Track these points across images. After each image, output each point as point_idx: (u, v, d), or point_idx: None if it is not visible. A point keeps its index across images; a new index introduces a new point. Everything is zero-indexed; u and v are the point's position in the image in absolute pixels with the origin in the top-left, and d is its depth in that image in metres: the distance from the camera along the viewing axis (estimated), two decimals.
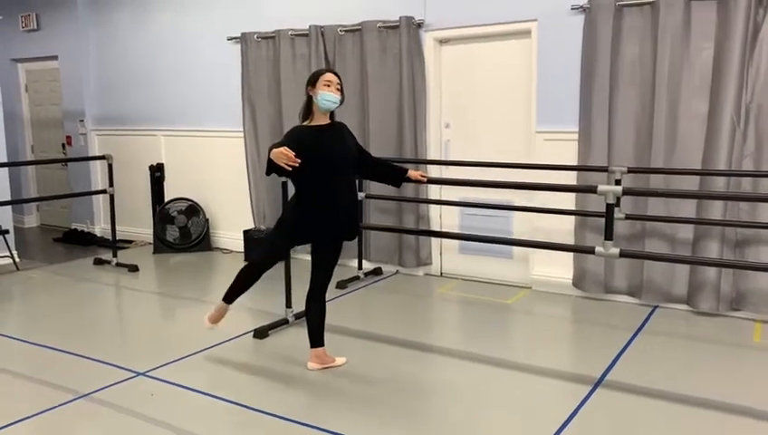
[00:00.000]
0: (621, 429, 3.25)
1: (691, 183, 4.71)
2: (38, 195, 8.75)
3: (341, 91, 3.66)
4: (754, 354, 4.15)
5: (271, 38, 6.42)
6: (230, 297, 4.01)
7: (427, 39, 5.72)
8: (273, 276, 5.96)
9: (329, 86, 3.59)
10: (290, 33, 6.26)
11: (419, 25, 5.68)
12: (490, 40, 5.55)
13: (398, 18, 5.66)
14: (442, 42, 5.77)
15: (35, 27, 8.12)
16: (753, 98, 4.48)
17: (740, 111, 4.48)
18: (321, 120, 3.66)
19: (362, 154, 3.89)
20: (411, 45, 5.67)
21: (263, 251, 4.10)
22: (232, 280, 3.99)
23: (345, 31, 5.98)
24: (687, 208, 4.73)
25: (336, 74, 3.68)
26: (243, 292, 3.99)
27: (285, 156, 3.34)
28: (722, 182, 4.59)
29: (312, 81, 3.63)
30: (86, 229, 8.07)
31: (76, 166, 7.96)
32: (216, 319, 4.08)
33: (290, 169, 3.38)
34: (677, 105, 4.69)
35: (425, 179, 4.08)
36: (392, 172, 4.03)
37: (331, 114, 3.72)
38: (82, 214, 8.17)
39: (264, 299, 5.38)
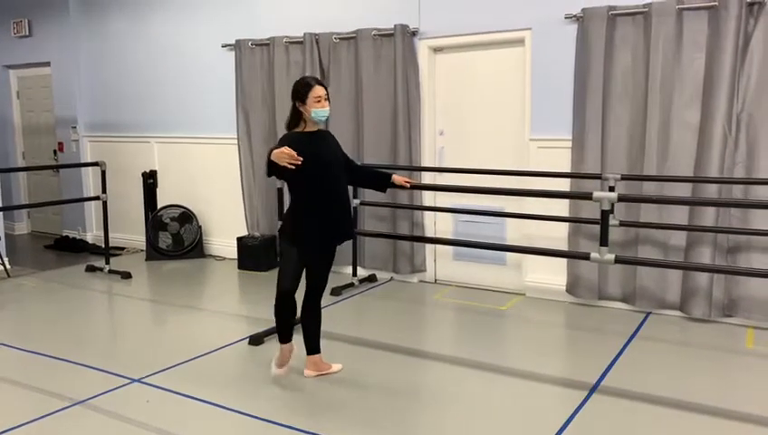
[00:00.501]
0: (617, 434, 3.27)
1: (683, 191, 4.76)
2: (29, 202, 8.71)
3: (329, 98, 3.69)
4: (747, 360, 4.19)
5: (265, 45, 6.44)
6: (283, 336, 3.82)
7: (422, 47, 5.76)
8: (268, 284, 5.98)
9: (319, 102, 3.61)
10: (284, 40, 6.28)
11: (414, 33, 5.72)
12: (484, 48, 5.60)
13: (392, 26, 5.70)
14: (436, 50, 5.81)
15: (27, 33, 8.10)
16: (743, 107, 4.54)
17: (731, 119, 4.53)
18: (310, 127, 3.70)
19: (347, 161, 3.93)
20: (406, 53, 5.70)
21: (280, 276, 3.77)
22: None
23: (340, 38, 6.01)
24: (680, 215, 4.77)
25: (323, 85, 3.69)
26: (289, 325, 3.80)
27: (288, 155, 3.35)
28: (714, 189, 4.64)
29: (302, 97, 3.61)
30: (77, 236, 8.03)
31: (68, 172, 7.92)
32: (282, 362, 3.86)
33: (293, 168, 3.38)
34: (670, 113, 4.74)
35: (408, 185, 4.10)
36: (377, 177, 4.08)
37: None
38: (74, 221, 8.13)
39: (259, 306, 5.37)
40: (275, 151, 3.41)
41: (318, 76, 6.10)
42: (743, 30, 4.44)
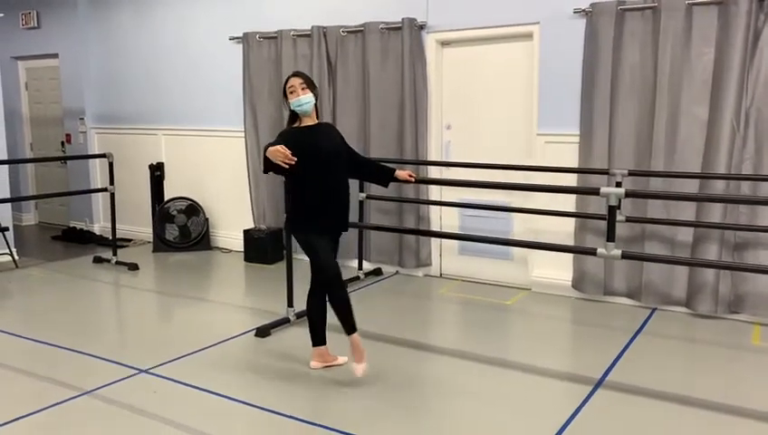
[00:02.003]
0: (621, 430, 3.27)
1: (691, 186, 4.74)
2: (36, 193, 8.74)
3: (309, 86, 3.68)
4: (753, 357, 4.18)
5: (273, 38, 6.44)
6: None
7: (429, 41, 5.74)
8: (274, 276, 6.00)
9: (293, 92, 3.64)
10: (292, 33, 6.27)
11: (422, 27, 5.71)
12: (492, 42, 5.58)
13: (400, 20, 5.69)
14: (444, 44, 5.80)
15: (36, 25, 8.12)
16: (752, 102, 4.52)
17: (740, 115, 4.51)
18: (307, 121, 3.72)
19: (351, 154, 3.93)
20: (413, 47, 5.69)
21: (319, 261, 3.72)
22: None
23: (347, 32, 6.00)
24: (687, 211, 4.76)
25: (298, 75, 3.72)
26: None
27: (282, 154, 3.41)
28: (721, 185, 4.62)
29: (284, 93, 3.71)
30: (84, 228, 8.06)
31: (75, 164, 7.95)
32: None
33: (287, 166, 3.44)
34: (678, 109, 4.73)
35: (413, 179, 4.10)
36: (380, 172, 4.07)
37: (317, 115, 3.78)
38: (81, 212, 8.16)
39: (265, 298, 5.40)
40: (271, 149, 3.46)
41: (325, 69, 6.12)
42: (753, 25, 4.42)
